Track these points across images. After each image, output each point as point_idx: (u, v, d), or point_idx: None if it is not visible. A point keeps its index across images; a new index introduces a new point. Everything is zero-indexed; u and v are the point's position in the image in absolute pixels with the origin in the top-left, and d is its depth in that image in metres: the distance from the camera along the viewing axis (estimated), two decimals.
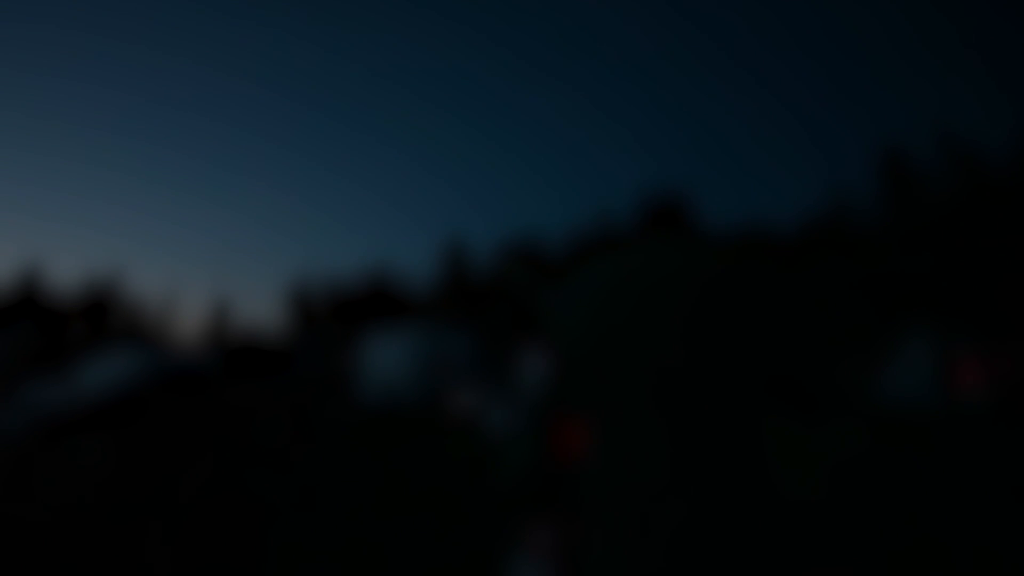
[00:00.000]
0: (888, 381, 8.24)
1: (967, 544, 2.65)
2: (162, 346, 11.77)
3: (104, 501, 4.26)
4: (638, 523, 0.84)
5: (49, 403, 9.45)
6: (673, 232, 1.01)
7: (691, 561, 0.77)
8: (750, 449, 0.80)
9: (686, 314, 0.84)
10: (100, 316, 40.37)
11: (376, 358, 12.29)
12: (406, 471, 4.97)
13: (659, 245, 0.92)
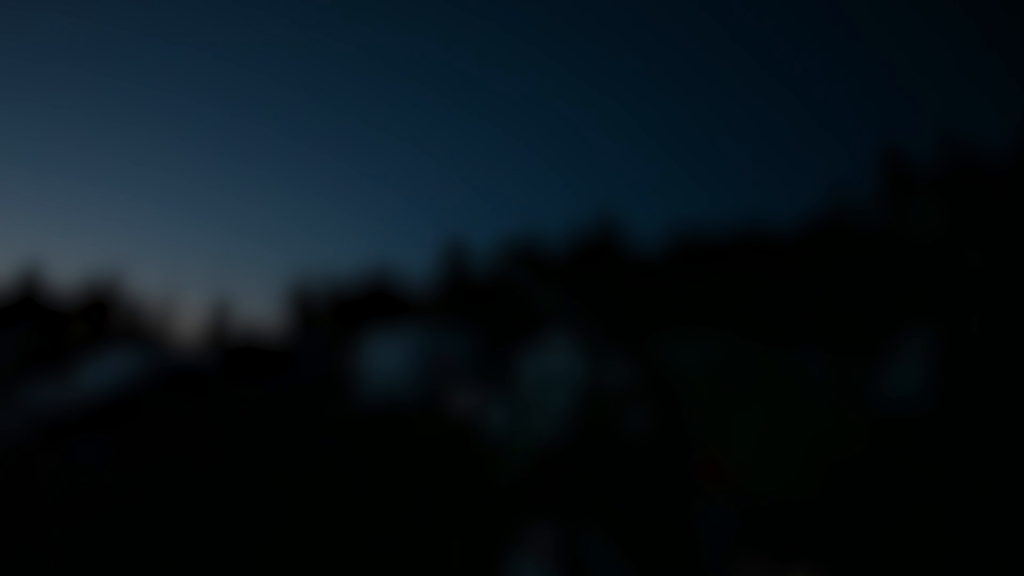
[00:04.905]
0: (888, 381, 8.25)
1: (965, 542, 2.66)
2: (162, 346, 11.77)
3: (104, 501, 4.26)
4: None
5: (49, 403, 9.45)
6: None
7: None
8: None
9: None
10: (100, 316, 40.34)
11: (376, 358, 12.28)
12: (405, 471, 4.97)
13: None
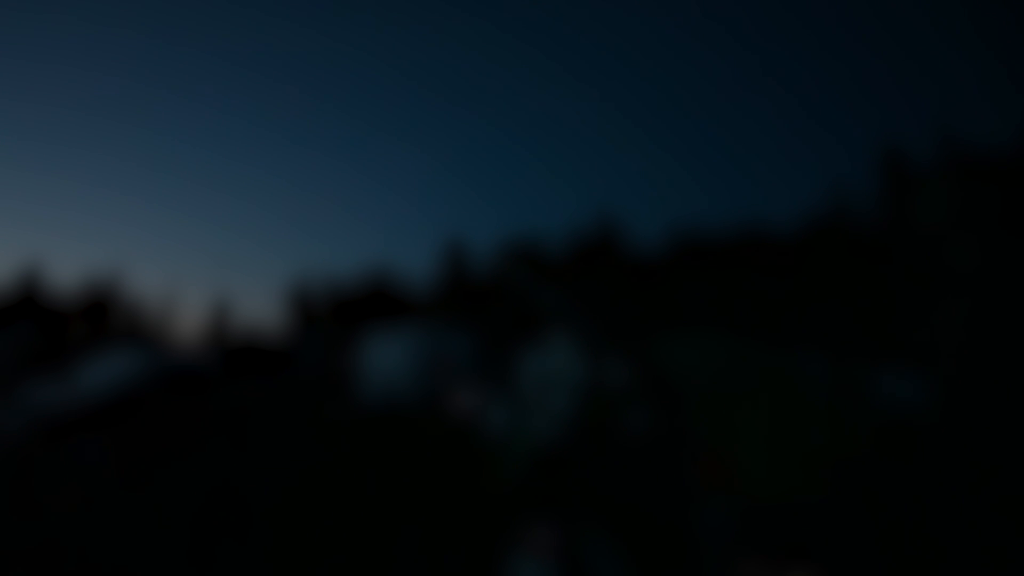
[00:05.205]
0: (888, 381, 8.24)
1: (964, 542, 2.66)
2: (162, 346, 11.77)
3: (104, 501, 4.26)
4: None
5: (49, 403, 9.45)
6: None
7: None
8: None
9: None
10: (100, 316, 40.28)
11: (376, 358, 12.28)
12: (406, 471, 4.97)
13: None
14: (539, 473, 4.13)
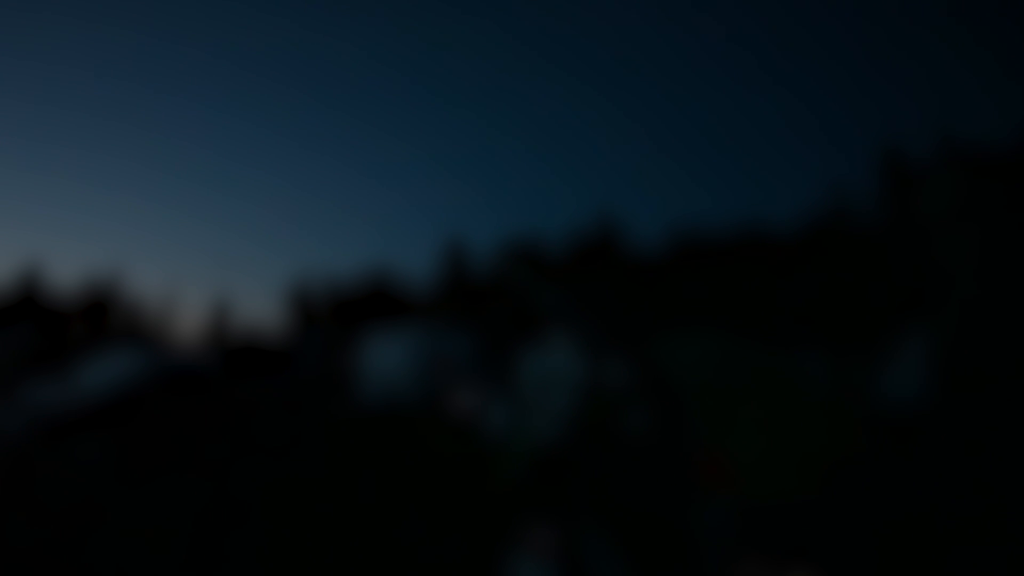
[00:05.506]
0: (887, 381, 8.25)
1: (965, 542, 2.66)
2: (162, 346, 11.77)
3: (104, 501, 4.26)
4: None
5: (49, 403, 9.45)
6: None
7: None
8: None
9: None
10: (100, 316, 40.30)
11: (376, 358, 12.29)
12: (406, 471, 4.97)
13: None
14: (539, 473, 4.13)
